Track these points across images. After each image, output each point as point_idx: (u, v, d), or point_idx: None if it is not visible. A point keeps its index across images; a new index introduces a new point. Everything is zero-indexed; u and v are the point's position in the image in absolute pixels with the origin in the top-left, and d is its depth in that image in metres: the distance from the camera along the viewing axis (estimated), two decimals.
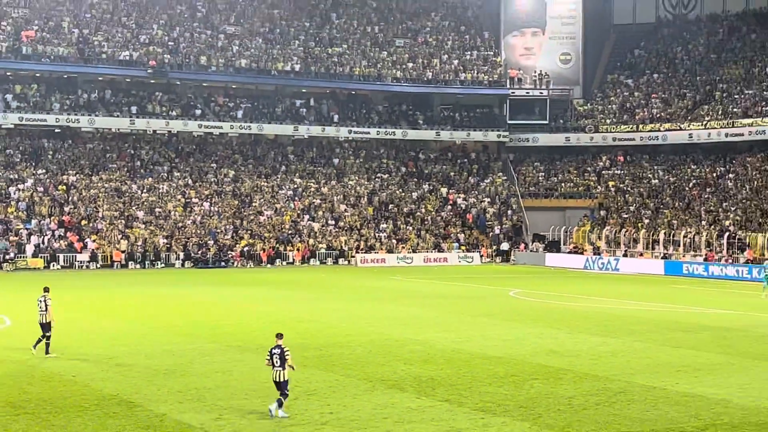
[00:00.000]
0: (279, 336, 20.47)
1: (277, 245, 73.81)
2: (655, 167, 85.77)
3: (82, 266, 67.07)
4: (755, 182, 76.95)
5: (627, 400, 22.17)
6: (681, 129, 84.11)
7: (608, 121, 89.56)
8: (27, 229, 68.84)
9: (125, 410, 20.74)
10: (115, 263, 68.02)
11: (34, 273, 62.58)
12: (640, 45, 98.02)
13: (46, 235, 68.78)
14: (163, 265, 69.31)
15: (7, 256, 65.68)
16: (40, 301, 27.64)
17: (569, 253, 76.63)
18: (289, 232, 75.69)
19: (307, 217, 78.19)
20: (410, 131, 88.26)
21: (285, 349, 20.10)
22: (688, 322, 37.47)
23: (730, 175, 79.85)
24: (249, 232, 74.45)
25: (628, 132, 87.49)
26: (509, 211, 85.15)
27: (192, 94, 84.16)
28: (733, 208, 74.30)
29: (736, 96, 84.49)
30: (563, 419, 20.19)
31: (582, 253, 75.13)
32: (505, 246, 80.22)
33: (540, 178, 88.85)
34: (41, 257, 66.54)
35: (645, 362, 27.53)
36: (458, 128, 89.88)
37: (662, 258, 69.85)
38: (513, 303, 45.83)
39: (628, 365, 26.95)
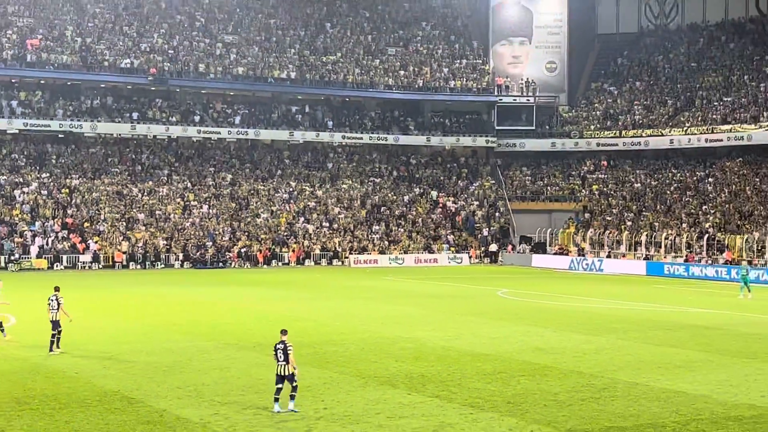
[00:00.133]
0: (283, 332, 20.48)
1: (273, 246, 73.76)
2: (638, 172, 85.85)
3: (84, 267, 66.98)
4: (734, 186, 77.08)
5: (610, 396, 22.18)
6: (662, 135, 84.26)
7: (592, 127, 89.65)
8: (31, 230, 68.73)
9: (126, 406, 20.71)
10: (117, 264, 67.93)
11: (38, 273, 62.48)
12: (623, 54, 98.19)
13: (50, 236, 68.68)
14: (162, 265, 69.23)
15: (12, 257, 65.60)
16: (51, 300, 27.61)
17: (555, 254, 76.68)
18: (285, 233, 75.64)
19: (302, 219, 78.16)
20: (402, 137, 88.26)
21: (288, 345, 20.12)
22: (670, 321, 37.51)
23: (710, 180, 79.97)
24: (246, 233, 74.40)
25: (611, 138, 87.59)
26: (497, 214, 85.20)
27: (191, 100, 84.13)
28: (712, 211, 74.38)
29: (715, 103, 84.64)
30: (549, 414, 20.18)
31: (567, 255, 75.19)
32: (493, 247, 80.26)
33: (527, 182, 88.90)
34: (45, 258, 66.46)
35: (628, 359, 27.54)
36: (448, 134, 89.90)
37: (644, 259, 69.90)
38: (501, 302, 45.83)
39: (612, 362, 26.96)
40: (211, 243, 72.12)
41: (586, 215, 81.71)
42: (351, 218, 79.69)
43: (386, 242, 77.73)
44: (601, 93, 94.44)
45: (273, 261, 72.56)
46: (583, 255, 73.66)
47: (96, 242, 68.90)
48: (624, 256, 71.91)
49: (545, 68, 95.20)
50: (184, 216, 74.89)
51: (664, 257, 69.34)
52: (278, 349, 20.13)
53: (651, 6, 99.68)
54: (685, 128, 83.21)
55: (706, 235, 68.98)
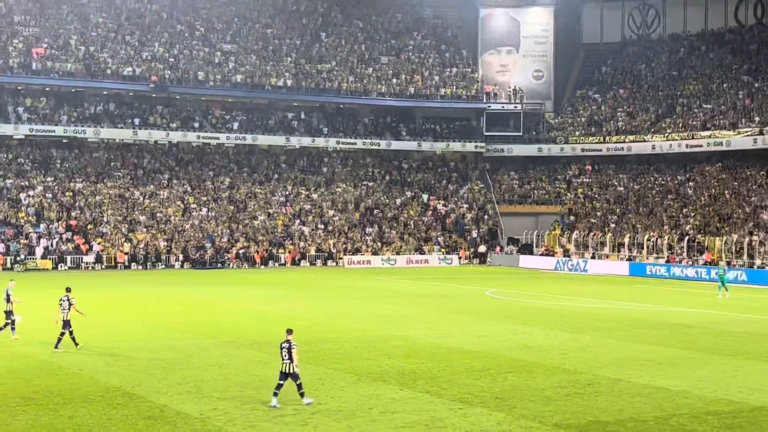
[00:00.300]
0: (289, 331, 20.54)
1: (270, 248, 73.70)
2: (621, 176, 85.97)
3: (87, 267, 66.87)
4: (713, 190, 77.21)
5: (595, 391, 22.20)
6: (645, 141, 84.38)
7: (577, 133, 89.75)
8: (36, 232, 68.63)
9: (128, 401, 20.69)
10: (119, 264, 67.85)
11: (43, 273, 62.37)
12: (607, 63, 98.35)
13: (55, 238, 68.57)
14: (163, 266, 69.14)
15: (18, 258, 65.49)
16: (63, 300, 27.58)
17: (541, 255, 76.71)
18: (282, 235, 75.60)
19: (298, 221, 78.13)
20: (394, 142, 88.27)
21: (293, 344, 20.17)
22: (652, 320, 37.56)
23: (690, 183, 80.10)
24: (244, 235, 74.34)
25: (595, 143, 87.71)
26: (486, 216, 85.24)
27: (191, 107, 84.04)
28: (692, 214, 74.49)
29: (695, 110, 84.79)
30: (535, 409, 20.20)
31: (553, 256, 75.21)
32: (482, 248, 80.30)
33: (514, 185, 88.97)
34: (50, 259, 66.35)
35: (611, 356, 27.57)
36: (438, 139, 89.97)
37: (627, 260, 69.98)
38: (489, 301, 45.85)
39: (596, 359, 26.98)
40: (210, 244, 72.04)
41: (572, 218, 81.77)
42: (345, 220, 79.66)
43: (379, 244, 77.71)
44: (586, 100, 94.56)
45: (270, 262, 72.51)
46: (569, 256, 73.71)
47: (99, 243, 68.80)
48: (608, 257, 71.98)
49: (532, 76, 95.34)
50: (184, 218, 74.81)
51: (646, 258, 69.42)
52: (283, 347, 20.18)
53: (634, 17, 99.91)
54: (666, 134, 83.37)
55: (687, 237, 69.09)
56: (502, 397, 21.49)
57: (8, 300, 29.65)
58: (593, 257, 72.37)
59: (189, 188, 78.62)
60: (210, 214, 76.07)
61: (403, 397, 21.35)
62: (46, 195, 72.89)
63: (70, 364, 25.34)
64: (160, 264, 69.23)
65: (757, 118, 78.78)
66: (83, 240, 68.94)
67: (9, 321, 29.55)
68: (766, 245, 62.73)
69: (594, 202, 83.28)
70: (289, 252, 73.66)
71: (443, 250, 79.12)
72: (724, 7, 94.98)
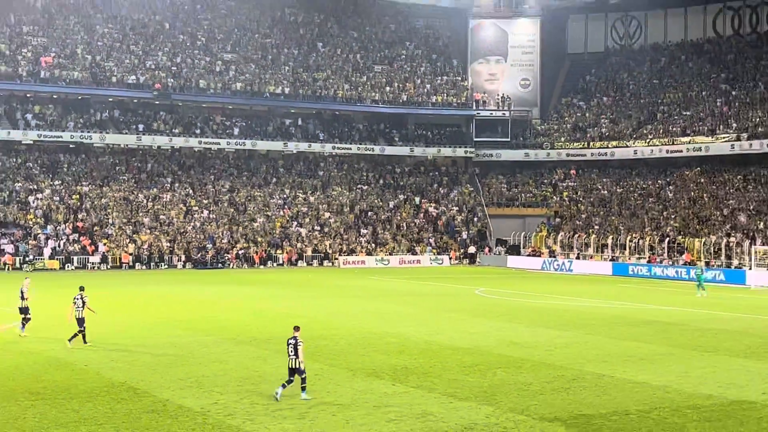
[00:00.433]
0: (296, 329, 20.58)
1: (269, 248, 73.64)
2: (604, 180, 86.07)
3: (93, 267, 66.77)
4: (692, 193, 77.34)
5: (579, 386, 22.20)
6: (627, 146, 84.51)
7: (563, 139, 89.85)
8: (44, 234, 68.50)
9: (132, 396, 20.65)
10: (124, 264, 67.77)
11: (50, 273, 62.25)
12: (591, 72, 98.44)
13: (62, 239, 68.45)
14: (166, 266, 69.06)
15: (27, 258, 65.38)
16: (77, 298, 27.65)
17: (528, 255, 76.74)
18: (280, 236, 75.55)
19: (295, 223, 78.08)
20: (387, 147, 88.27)
21: (299, 341, 20.21)
22: (634, 317, 37.58)
23: (671, 187, 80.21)
24: (244, 236, 74.27)
25: (580, 148, 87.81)
26: (475, 219, 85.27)
27: (192, 113, 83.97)
28: (673, 216, 74.61)
29: (675, 117, 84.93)
30: (523, 403, 20.20)
31: (539, 256, 75.25)
32: (471, 249, 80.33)
33: (502, 189, 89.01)
34: (57, 259, 66.25)
35: (595, 353, 27.58)
36: (430, 145, 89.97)
37: (610, 260, 70.02)
38: (479, 300, 45.84)
39: (581, 355, 26.98)
40: (211, 245, 71.97)
41: (557, 220, 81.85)
42: (340, 222, 79.63)
43: (373, 245, 77.70)
44: (571, 107, 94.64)
45: (268, 262, 72.46)
46: (554, 256, 73.76)
47: (104, 244, 68.68)
48: (592, 257, 72.04)
49: (519, 85, 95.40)
50: (186, 220, 74.73)
51: (629, 258, 69.49)
52: (290, 344, 20.22)
53: (617, 28, 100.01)
54: (648, 140, 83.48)
55: (667, 239, 69.18)
56: (490, 391, 21.49)
57: (23, 297, 29.71)
58: (578, 258, 72.41)
59: (191, 191, 78.53)
60: (211, 216, 75.99)
61: (396, 392, 21.34)
62: (54, 198, 72.77)
63: (77, 360, 25.29)
64: (163, 264, 69.14)
65: (734, 125, 78.97)
66: (89, 241, 68.83)
67: (24, 317, 29.60)
68: (743, 246, 62.83)
69: (578, 205, 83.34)
70: (287, 253, 73.62)
71: (434, 250, 79.11)
72: (702, 19, 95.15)
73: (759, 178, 75.38)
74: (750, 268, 58.71)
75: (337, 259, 74.39)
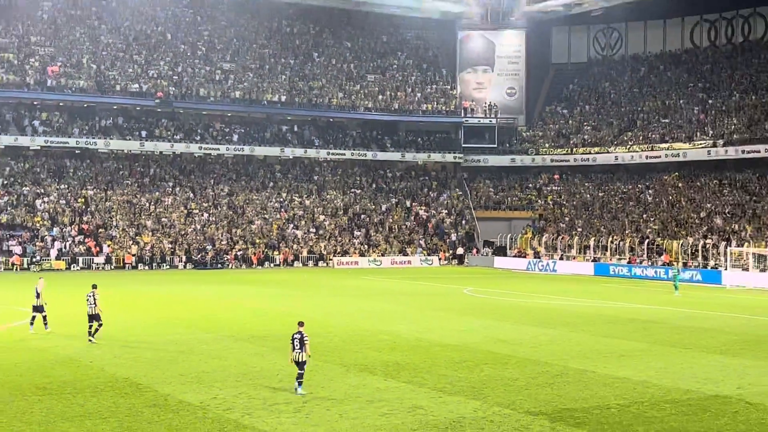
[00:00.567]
0: (300, 324, 20.66)
1: (266, 250, 73.58)
2: (587, 184, 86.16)
3: (98, 267, 66.63)
4: (671, 197, 77.47)
5: (563, 381, 22.21)
6: (608, 152, 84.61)
7: (547, 145, 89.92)
8: (51, 235, 68.34)
9: (135, 391, 20.61)
10: (127, 265, 67.64)
11: (57, 273, 62.05)
12: (574, 81, 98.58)
13: (68, 240, 68.30)
14: (167, 266, 68.95)
15: (34, 259, 65.25)
16: (89, 296, 27.82)
17: (514, 256, 76.77)
18: (277, 238, 75.48)
19: (291, 225, 78.01)
20: (380, 153, 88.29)
21: (305, 336, 20.30)
22: (615, 315, 37.63)
23: (650, 191, 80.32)
24: (242, 238, 74.18)
25: (563, 154, 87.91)
26: (463, 221, 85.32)
27: (193, 120, 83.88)
28: (652, 219, 74.71)
29: (654, 124, 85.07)
30: (509, 398, 20.21)
31: (525, 257, 75.29)
32: (460, 250, 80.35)
33: (490, 193, 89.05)
34: (63, 260, 66.10)
35: (578, 349, 27.60)
36: (420, 151, 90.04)
37: (592, 261, 70.10)
38: (467, 299, 45.85)
39: (564, 352, 27.00)
40: (210, 246, 71.87)
41: (542, 222, 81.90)
42: (335, 225, 79.59)
43: (366, 246, 77.68)
44: (555, 115, 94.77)
45: (266, 263, 72.39)
46: (539, 257, 73.80)
47: (108, 246, 68.55)
48: (575, 258, 72.11)
49: (506, 93, 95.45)
50: (187, 223, 74.61)
51: (610, 259, 69.57)
52: (295, 338, 20.30)
53: (598, 39, 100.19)
54: (628, 146, 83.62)
55: (647, 240, 69.27)
56: (478, 386, 21.49)
57: (38, 296, 29.76)
58: (561, 258, 72.50)
59: (191, 195, 78.43)
60: (211, 218, 75.89)
61: (388, 387, 21.33)
62: (60, 201, 72.61)
63: (82, 356, 25.25)
64: (164, 265, 69.02)
65: (710, 132, 79.14)
66: (94, 242, 68.68)
67: (41, 314, 29.74)
68: (719, 248, 62.95)
69: (562, 208, 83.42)
70: (284, 254, 73.55)
71: (425, 252, 79.12)
72: (680, 31, 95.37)
73: (734, 183, 75.55)
74: (726, 269, 58.80)
75: (331, 259, 74.33)
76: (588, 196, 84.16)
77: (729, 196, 73.90)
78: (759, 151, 73.75)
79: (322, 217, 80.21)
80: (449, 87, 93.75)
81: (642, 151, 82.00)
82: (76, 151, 77.70)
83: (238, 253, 71.91)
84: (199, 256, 70.42)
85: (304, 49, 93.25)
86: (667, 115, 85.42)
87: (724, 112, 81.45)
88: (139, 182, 78.14)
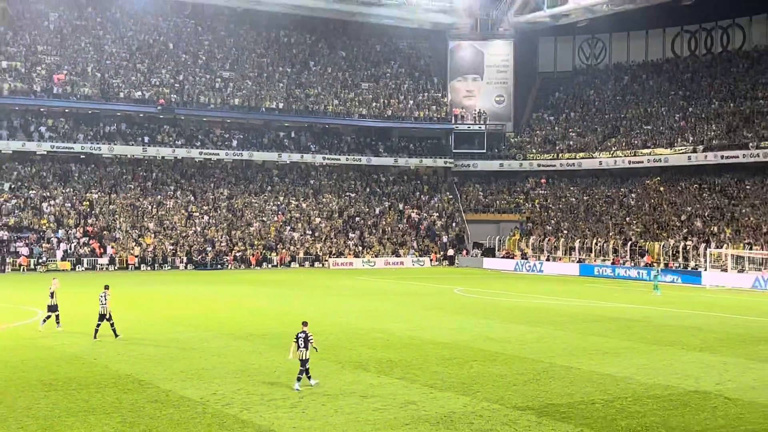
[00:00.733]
0: (304, 324, 20.73)
1: (264, 251, 73.51)
2: (572, 188, 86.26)
3: (102, 268, 66.51)
4: (653, 201, 77.60)
5: (549, 377, 22.23)
6: (593, 157, 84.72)
7: (534, 150, 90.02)
8: (57, 237, 68.20)
9: (137, 387, 20.58)
10: (130, 266, 67.52)
11: (62, 274, 61.82)
12: (560, 89, 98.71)
13: (73, 242, 68.16)
14: (169, 267, 68.85)
15: (41, 260, 65.10)
16: (102, 296, 27.94)
17: (502, 258, 76.79)
18: (274, 240, 75.42)
19: (288, 228, 77.96)
20: (373, 158, 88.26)
21: (309, 335, 20.45)
22: (599, 314, 37.67)
23: (633, 195, 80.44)
24: (241, 240, 74.11)
25: (550, 159, 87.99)
26: (454, 224, 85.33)
27: (194, 127, 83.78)
28: (635, 222, 74.82)
29: (637, 131, 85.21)
30: (497, 393, 20.22)
31: (513, 258, 75.33)
32: (450, 252, 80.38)
33: (479, 196, 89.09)
34: (68, 261, 65.96)
35: (564, 346, 27.62)
36: (412, 156, 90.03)
37: (578, 262, 70.18)
38: (457, 299, 45.85)
39: (550, 349, 27.02)
40: (210, 248, 71.79)
41: (529, 225, 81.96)
42: (330, 227, 79.56)
43: (360, 247, 77.65)
44: (542, 122, 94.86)
45: (264, 263, 72.32)
46: (526, 258, 73.85)
47: (112, 247, 68.42)
48: (561, 259, 72.18)
49: (494, 101, 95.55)
50: (188, 225, 74.52)
51: (594, 260, 69.65)
52: (299, 337, 20.38)
53: (583, 49, 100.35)
54: (612, 152, 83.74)
55: (630, 242, 69.37)
56: (468, 382, 21.50)
57: (52, 296, 29.74)
58: (548, 259, 72.56)
59: (192, 198, 78.34)
60: (211, 221, 75.79)
61: (381, 383, 21.33)
62: (66, 204, 72.46)
63: (86, 353, 25.20)
64: (166, 265, 68.91)
65: (690, 138, 79.30)
66: (98, 244, 68.56)
67: (54, 314, 29.75)
68: (699, 249, 63.07)
69: (549, 211, 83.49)
70: (281, 255, 73.48)
71: (417, 253, 79.13)
72: (662, 41, 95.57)
73: (713, 187, 75.72)
74: (705, 270, 58.96)
75: (327, 260, 74.30)
76: (573, 199, 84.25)
77: (708, 200, 74.05)
78: (737, 157, 74.00)
79: (317, 220, 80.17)
80: (440, 95, 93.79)
81: (625, 156, 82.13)
82: (81, 156, 77.56)
83: (237, 254, 71.84)
84: (199, 257, 70.32)
85: (301, 58, 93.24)
86: (649, 122, 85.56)
87: (704, 120, 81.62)
88: (142, 186, 78.02)
